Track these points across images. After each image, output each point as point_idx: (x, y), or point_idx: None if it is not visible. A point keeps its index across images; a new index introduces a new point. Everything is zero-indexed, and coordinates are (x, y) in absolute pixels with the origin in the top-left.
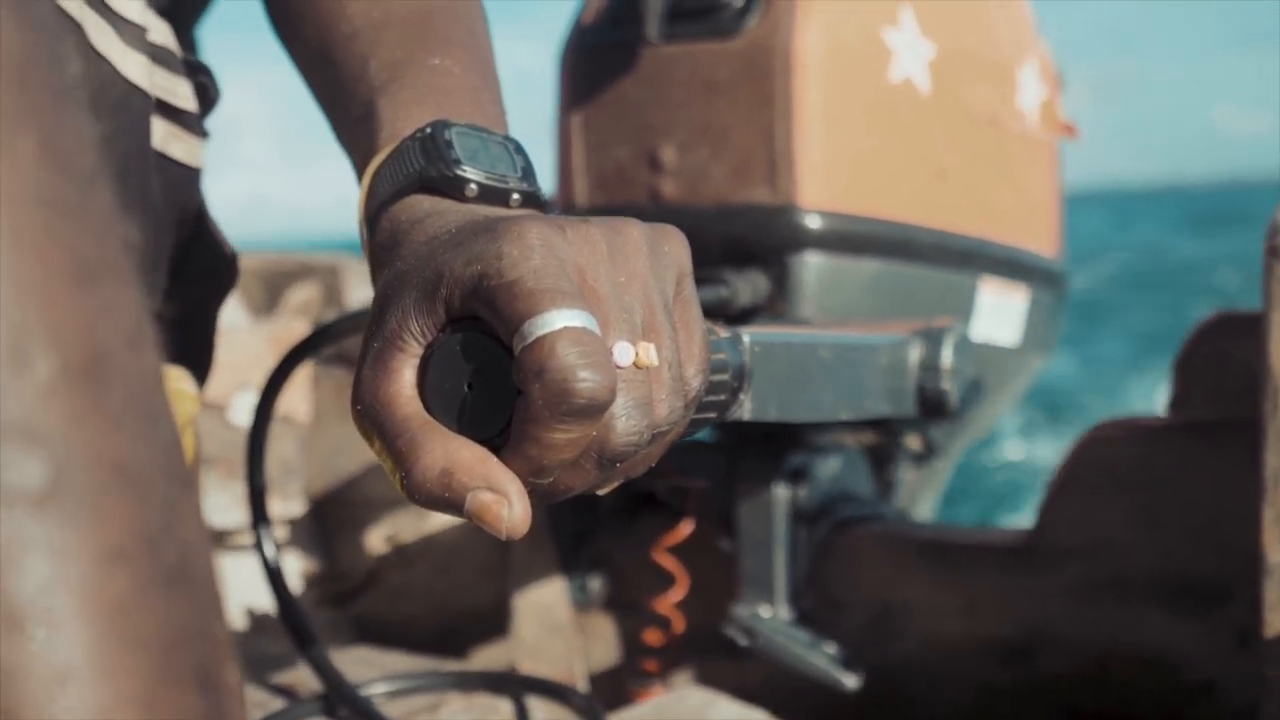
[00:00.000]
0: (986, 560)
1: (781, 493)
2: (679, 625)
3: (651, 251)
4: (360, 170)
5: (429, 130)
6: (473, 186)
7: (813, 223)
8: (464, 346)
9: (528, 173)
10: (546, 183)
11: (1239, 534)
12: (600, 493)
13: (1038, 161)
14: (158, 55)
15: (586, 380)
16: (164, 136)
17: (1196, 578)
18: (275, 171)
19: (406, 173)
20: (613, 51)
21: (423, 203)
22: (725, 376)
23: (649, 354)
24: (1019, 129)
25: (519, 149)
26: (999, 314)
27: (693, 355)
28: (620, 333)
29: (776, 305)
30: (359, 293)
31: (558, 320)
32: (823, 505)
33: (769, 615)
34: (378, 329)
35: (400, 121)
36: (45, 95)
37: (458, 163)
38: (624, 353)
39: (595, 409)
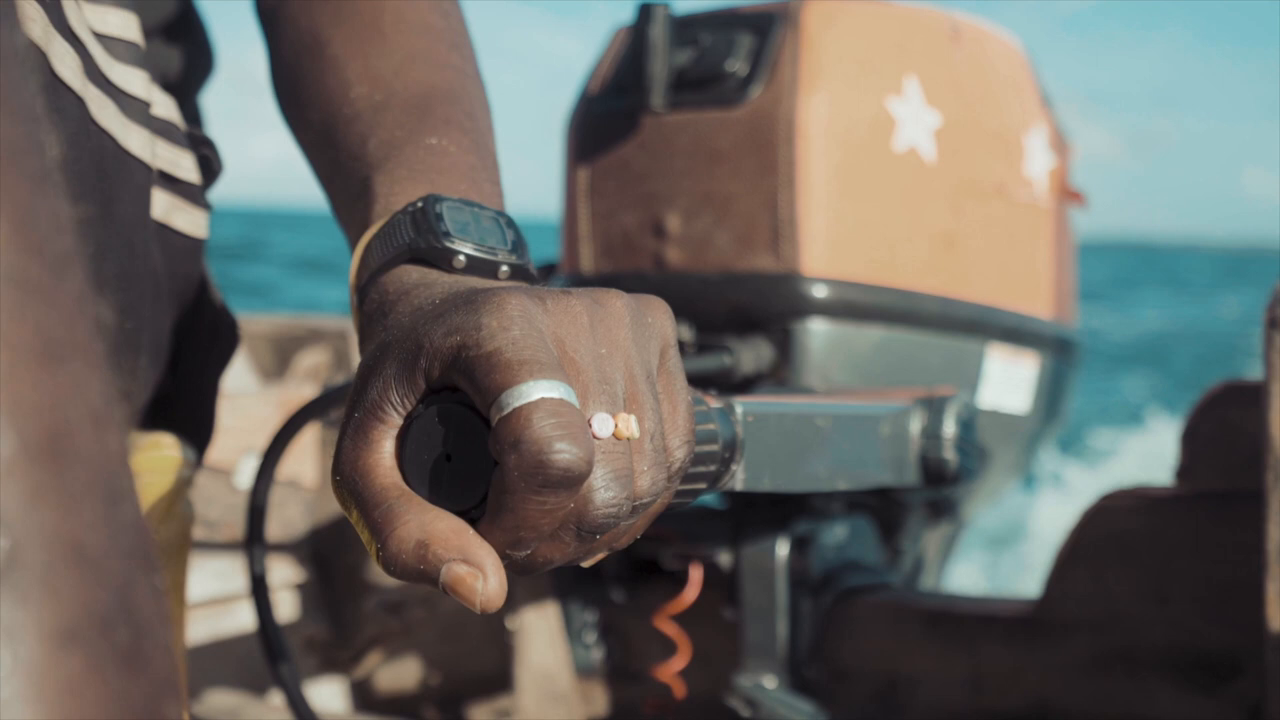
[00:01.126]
0: (993, 631)
1: (785, 561)
2: (681, 693)
3: (634, 323)
4: (354, 243)
5: (420, 204)
6: (461, 258)
7: (817, 290)
8: (442, 417)
9: (518, 245)
10: (553, 248)
11: (1248, 607)
12: (584, 565)
13: (1046, 227)
14: (161, 129)
15: (563, 452)
16: (167, 208)
17: (1206, 651)
18: None
19: (396, 244)
20: (619, 120)
21: (411, 274)
22: (715, 447)
23: (629, 425)
24: (1026, 197)
25: (510, 223)
26: (1008, 381)
27: (676, 426)
28: (600, 404)
29: (780, 373)
30: None
31: (535, 391)
32: (828, 574)
33: (772, 685)
34: (359, 399)
35: (394, 196)
36: (21, 179)
37: (447, 235)
38: (603, 424)
39: (572, 480)
